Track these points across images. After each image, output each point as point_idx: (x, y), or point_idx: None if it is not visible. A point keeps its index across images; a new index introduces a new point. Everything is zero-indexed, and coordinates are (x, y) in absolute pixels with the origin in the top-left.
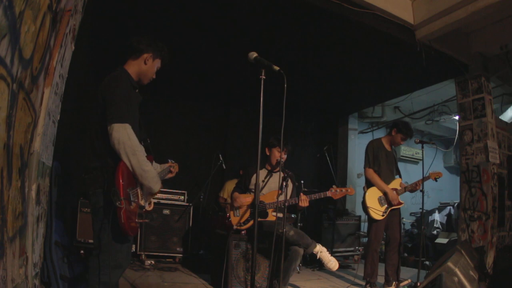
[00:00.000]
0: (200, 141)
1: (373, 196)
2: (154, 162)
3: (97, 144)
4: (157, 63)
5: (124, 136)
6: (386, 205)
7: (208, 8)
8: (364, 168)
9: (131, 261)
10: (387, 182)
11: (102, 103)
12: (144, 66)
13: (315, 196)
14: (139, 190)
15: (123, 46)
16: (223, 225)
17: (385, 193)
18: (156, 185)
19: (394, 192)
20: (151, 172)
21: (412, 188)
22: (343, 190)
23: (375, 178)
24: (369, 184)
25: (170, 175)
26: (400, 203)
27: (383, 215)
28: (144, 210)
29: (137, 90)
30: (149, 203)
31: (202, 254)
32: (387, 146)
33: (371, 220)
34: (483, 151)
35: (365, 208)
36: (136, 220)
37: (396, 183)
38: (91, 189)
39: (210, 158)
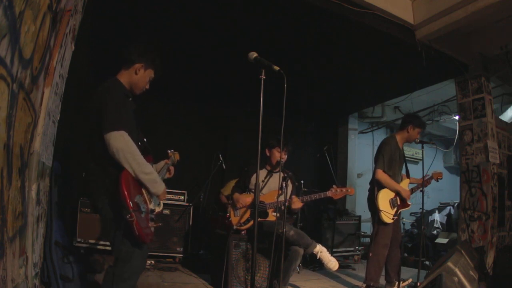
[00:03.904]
0: (200, 141)
1: (385, 198)
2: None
3: (97, 153)
4: (150, 74)
5: (122, 143)
6: (396, 208)
7: (208, 8)
8: (376, 169)
9: None
10: (397, 182)
11: (96, 114)
12: (135, 77)
13: (315, 196)
14: (145, 196)
15: (118, 54)
16: (223, 225)
17: (398, 193)
18: (159, 187)
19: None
20: (153, 175)
21: (416, 190)
22: (344, 190)
23: (386, 179)
24: (379, 185)
25: (168, 175)
26: (408, 205)
27: (393, 218)
28: (155, 213)
29: (130, 99)
30: (159, 204)
31: (202, 254)
32: (400, 145)
33: (380, 223)
34: (483, 151)
35: (375, 210)
36: (150, 225)
37: (404, 184)
38: (100, 202)
39: (210, 158)
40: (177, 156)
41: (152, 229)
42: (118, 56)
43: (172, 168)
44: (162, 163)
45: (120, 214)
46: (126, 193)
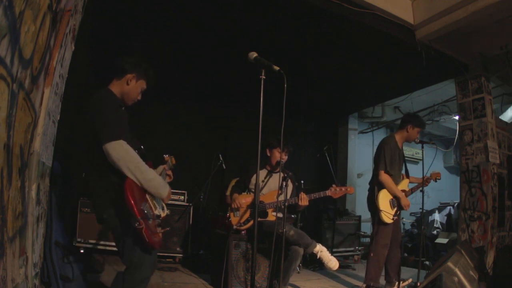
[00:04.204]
0: (200, 141)
1: (385, 199)
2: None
3: (97, 163)
4: (141, 84)
5: (122, 152)
6: (396, 208)
7: (208, 8)
8: (378, 170)
9: None
10: (397, 183)
11: (92, 125)
12: (126, 87)
13: (315, 196)
14: (150, 202)
15: (111, 65)
16: (223, 225)
17: (397, 198)
18: (164, 190)
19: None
20: (156, 179)
21: (416, 189)
22: (343, 189)
23: (390, 183)
24: (380, 186)
25: (168, 180)
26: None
27: (393, 218)
28: (161, 218)
29: (123, 108)
30: (163, 209)
31: (202, 254)
32: (399, 145)
33: (380, 223)
34: (483, 151)
35: (375, 210)
36: (158, 231)
37: (404, 184)
38: (105, 212)
39: (210, 158)
40: (173, 160)
41: (161, 234)
42: (115, 60)
43: (170, 173)
44: (160, 168)
45: (128, 222)
46: (132, 201)
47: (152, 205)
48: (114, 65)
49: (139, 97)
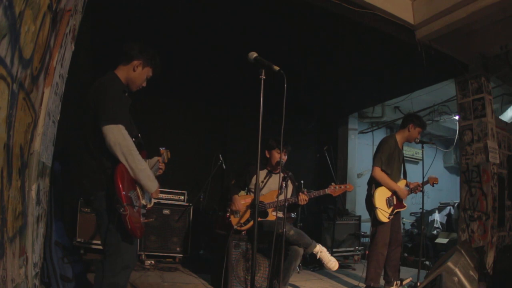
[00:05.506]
0: (200, 141)
1: (381, 197)
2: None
3: (92, 146)
4: (147, 72)
5: (119, 137)
6: (393, 207)
7: (208, 8)
8: (374, 166)
9: None
10: (395, 181)
11: (94, 107)
12: (132, 73)
13: (314, 194)
14: (138, 191)
15: (117, 50)
16: (223, 225)
17: (394, 192)
18: (153, 184)
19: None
20: (146, 171)
21: (412, 192)
22: (342, 186)
23: (384, 177)
24: (376, 183)
25: (160, 172)
26: (404, 206)
27: (389, 218)
28: (146, 208)
29: (126, 94)
30: (150, 200)
31: (202, 254)
32: (400, 145)
33: (377, 222)
34: (483, 151)
35: (372, 208)
36: (141, 220)
37: (401, 185)
38: (93, 193)
39: (210, 158)
40: (168, 155)
41: (143, 224)
42: (118, 53)
43: (163, 166)
44: (154, 159)
45: (113, 207)
46: (120, 186)
47: (140, 194)
48: (121, 50)
49: (144, 84)
